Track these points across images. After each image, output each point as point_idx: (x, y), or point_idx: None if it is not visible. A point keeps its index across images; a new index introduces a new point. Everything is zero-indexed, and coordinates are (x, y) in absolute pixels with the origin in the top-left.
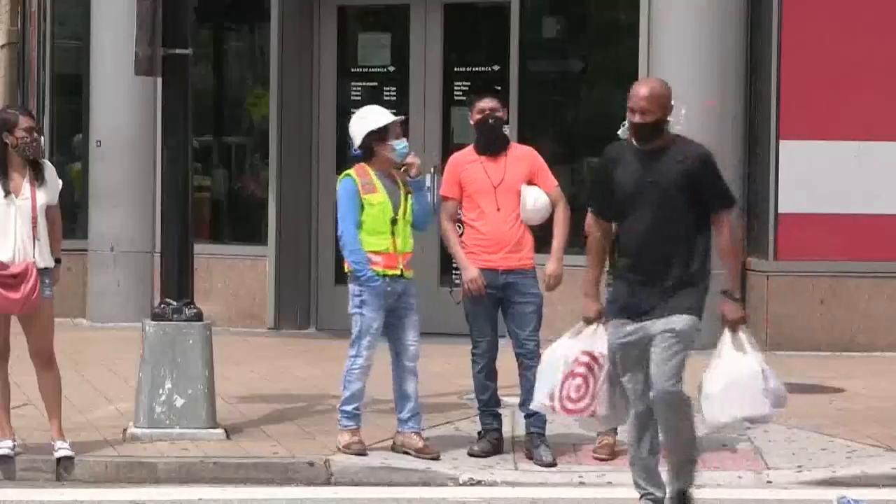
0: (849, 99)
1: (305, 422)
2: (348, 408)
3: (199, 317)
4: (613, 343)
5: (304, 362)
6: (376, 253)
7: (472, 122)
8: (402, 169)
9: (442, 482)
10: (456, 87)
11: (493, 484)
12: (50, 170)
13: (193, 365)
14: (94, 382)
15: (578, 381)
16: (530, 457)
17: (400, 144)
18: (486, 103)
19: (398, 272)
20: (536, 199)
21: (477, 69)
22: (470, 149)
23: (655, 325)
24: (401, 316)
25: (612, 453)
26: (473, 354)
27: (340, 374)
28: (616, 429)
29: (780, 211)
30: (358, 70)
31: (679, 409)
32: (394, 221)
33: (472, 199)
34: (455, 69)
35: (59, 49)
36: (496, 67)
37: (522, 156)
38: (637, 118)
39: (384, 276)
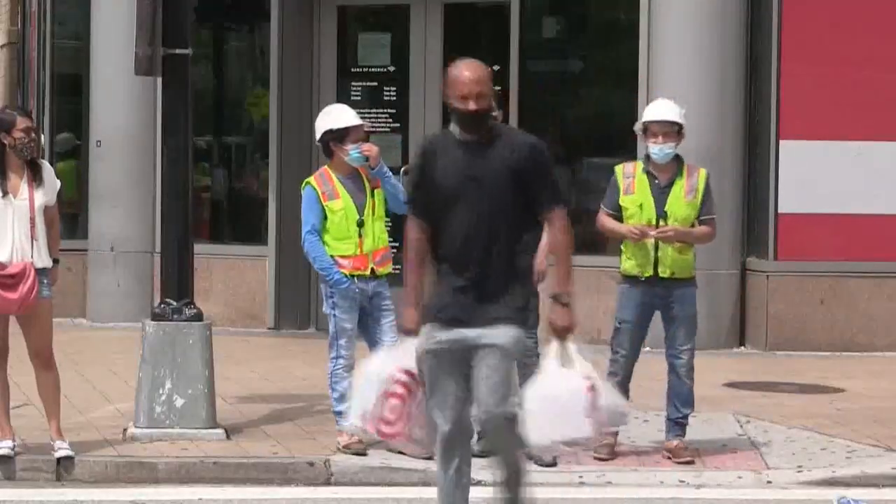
0: (849, 99)
1: (305, 422)
2: (341, 408)
3: (199, 317)
4: (422, 349)
5: (304, 362)
6: (343, 257)
7: None
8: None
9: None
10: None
11: (493, 484)
12: (48, 170)
13: (193, 365)
14: (94, 382)
15: (395, 401)
16: (530, 457)
17: (355, 151)
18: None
19: (367, 272)
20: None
21: None
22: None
23: (476, 337)
24: (376, 318)
25: (612, 453)
26: None
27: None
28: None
29: (780, 211)
30: (358, 70)
31: (510, 431)
32: (360, 223)
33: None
34: None
35: (59, 49)
36: (496, 67)
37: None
38: (472, 105)
39: (353, 276)
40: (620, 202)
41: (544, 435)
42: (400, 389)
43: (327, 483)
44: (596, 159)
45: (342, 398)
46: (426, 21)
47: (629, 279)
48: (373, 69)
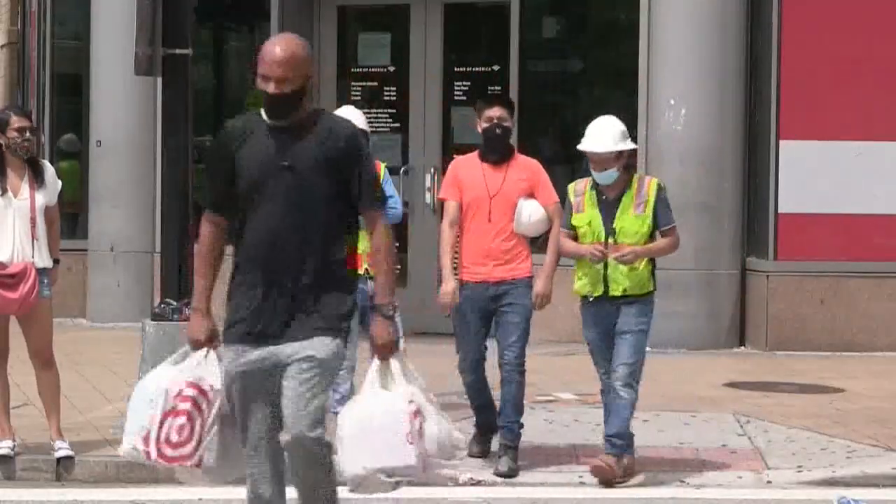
0: (849, 99)
1: None
2: (340, 409)
3: None
4: (230, 372)
5: None
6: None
7: (479, 129)
8: None
9: (442, 482)
10: (456, 87)
11: (493, 484)
12: (49, 171)
13: None
14: (94, 382)
15: (182, 420)
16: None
17: None
18: (495, 111)
19: (362, 272)
20: (532, 214)
21: (477, 69)
22: (474, 154)
23: (288, 350)
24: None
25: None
26: (460, 367)
27: None
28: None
29: (780, 211)
30: (358, 70)
31: (319, 460)
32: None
33: (466, 206)
34: (455, 69)
35: (59, 49)
36: (496, 67)
37: (525, 167)
38: (272, 87)
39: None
40: (572, 221)
41: (358, 463)
42: (187, 406)
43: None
44: None
45: (343, 400)
46: (426, 21)
47: (583, 300)
48: (373, 69)
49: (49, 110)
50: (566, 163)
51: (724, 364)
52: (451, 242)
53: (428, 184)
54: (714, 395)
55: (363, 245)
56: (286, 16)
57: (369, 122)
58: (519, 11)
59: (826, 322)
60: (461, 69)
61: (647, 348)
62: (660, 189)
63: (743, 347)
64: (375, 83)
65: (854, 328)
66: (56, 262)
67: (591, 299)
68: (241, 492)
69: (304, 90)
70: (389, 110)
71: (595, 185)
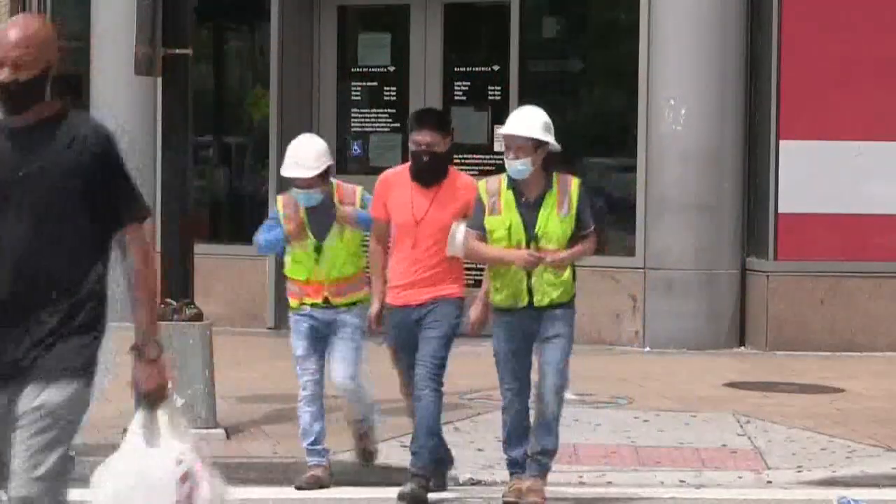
0: (849, 99)
1: None
2: (304, 443)
3: (199, 317)
4: None
5: None
6: (296, 281)
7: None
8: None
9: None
10: (456, 87)
11: (493, 484)
12: None
13: (193, 365)
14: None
15: None
16: None
17: (302, 195)
18: (424, 137)
19: (320, 301)
20: (465, 238)
21: (477, 69)
22: (405, 169)
23: (22, 397)
24: (333, 347)
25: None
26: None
27: None
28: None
29: (780, 211)
30: (358, 70)
31: None
32: (317, 249)
33: (394, 228)
34: (455, 69)
35: (58, 49)
36: (496, 67)
37: (459, 189)
38: (5, 74)
39: (306, 304)
40: (485, 223)
41: None
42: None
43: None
44: (596, 159)
45: (304, 433)
46: (426, 21)
47: (501, 310)
48: (373, 69)
49: None
50: (566, 163)
51: (724, 364)
52: (380, 262)
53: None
54: (714, 395)
55: (324, 273)
56: (286, 16)
57: (369, 122)
58: (519, 11)
59: (826, 322)
60: (461, 69)
61: (647, 348)
62: (582, 189)
63: (743, 347)
64: (375, 83)
65: (854, 328)
66: None
67: (516, 311)
68: (241, 492)
69: (45, 78)
70: (389, 110)
71: (513, 185)
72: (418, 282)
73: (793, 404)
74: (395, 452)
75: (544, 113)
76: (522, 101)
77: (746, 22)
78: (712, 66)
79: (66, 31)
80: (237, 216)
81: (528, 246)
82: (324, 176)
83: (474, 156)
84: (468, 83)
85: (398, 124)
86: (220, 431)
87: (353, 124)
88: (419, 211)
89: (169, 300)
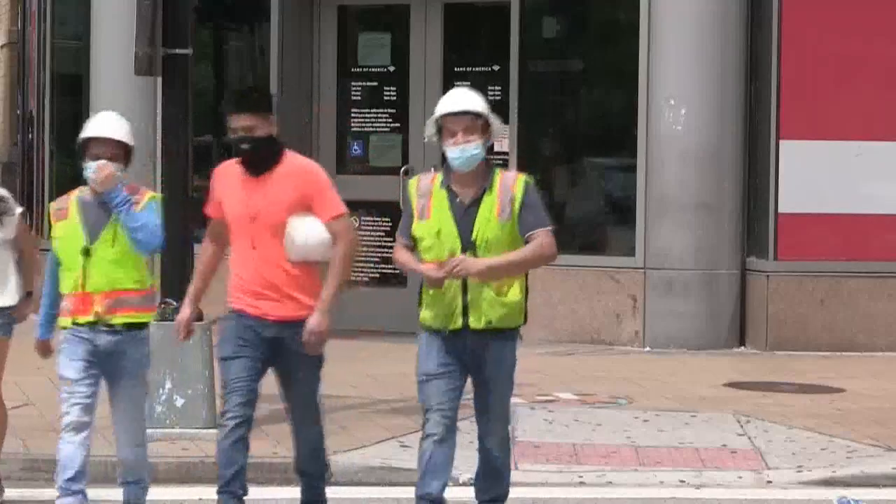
0: (849, 99)
1: None
2: (58, 480)
3: (199, 317)
4: None
5: None
6: (65, 295)
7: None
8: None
9: None
10: (456, 87)
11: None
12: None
13: (193, 365)
14: None
15: None
16: None
17: (90, 168)
18: (243, 121)
19: (91, 318)
20: (308, 236)
21: (477, 69)
22: (235, 160)
23: None
24: (114, 401)
25: None
26: (222, 415)
27: (337, 376)
28: None
29: (780, 211)
30: (358, 70)
31: None
32: (85, 252)
33: (230, 226)
34: (455, 69)
35: (59, 49)
36: (496, 67)
37: (295, 175)
38: None
39: (76, 324)
40: (414, 230)
41: None
42: None
43: (327, 483)
44: (596, 159)
45: (63, 467)
46: (426, 21)
47: (429, 330)
48: (373, 69)
49: (49, 110)
50: (566, 163)
51: (724, 364)
52: (207, 263)
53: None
54: (714, 395)
55: (94, 283)
56: (286, 16)
57: (369, 122)
58: (519, 11)
59: (826, 322)
60: (461, 69)
61: (646, 348)
62: (528, 187)
63: (743, 347)
64: (375, 83)
65: (854, 328)
66: (28, 294)
67: (446, 333)
68: None
69: None
70: (389, 110)
71: (447, 184)
72: (267, 295)
73: (793, 404)
74: (395, 452)
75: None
76: (522, 101)
77: (746, 22)
78: (712, 66)
79: (66, 32)
80: None
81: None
82: (125, 157)
83: None
84: (468, 83)
85: (398, 124)
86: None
87: (353, 124)
88: (253, 205)
89: (169, 300)
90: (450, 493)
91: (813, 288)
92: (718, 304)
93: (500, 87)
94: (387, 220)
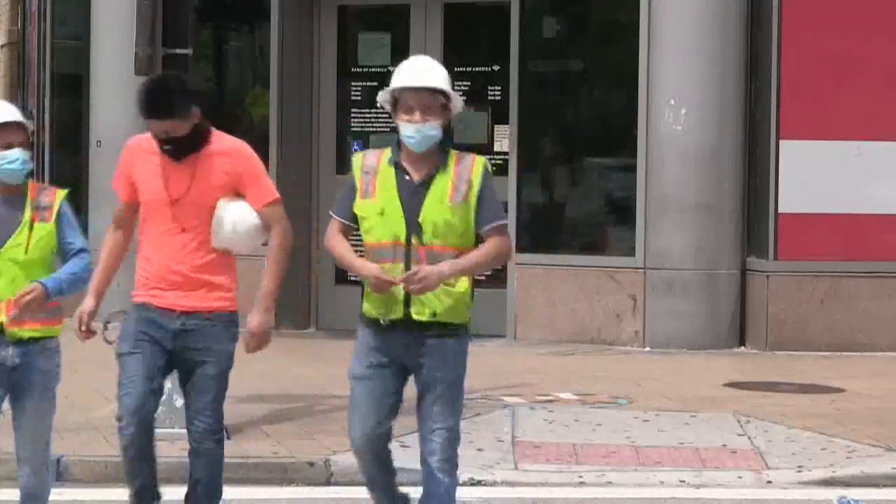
0: (849, 99)
1: (305, 422)
2: None
3: None
4: None
5: (304, 362)
6: None
7: None
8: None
9: None
10: (456, 87)
11: (493, 484)
12: None
13: None
14: (93, 382)
15: None
16: None
17: (5, 160)
18: (158, 127)
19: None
20: (237, 222)
21: (477, 69)
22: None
23: None
24: (15, 397)
25: None
26: (117, 420)
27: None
28: None
29: (780, 211)
30: (358, 70)
31: None
32: None
33: (143, 209)
34: (455, 69)
35: (59, 49)
36: (496, 67)
37: (225, 156)
38: None
39: None
40: (355, 209)
41: None
42: None
43: (327, 483)
44: (596, 159)
45: None
46: (426, 21)
47: (369, 322)
48: (373, 69)
49: (49, 110)
50: (566, 163)
51: (724, 364)
52: (112, 253)
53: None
54: (714, 395)
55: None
56: (286, 16)
57: (369, 122)
58: (519, 11)
59: (826, 322)
60: (461, 69)
61: (646, 348)
62: (486, 171)
63: (743, 347)
64: (375, 83)
65: (854, 328)
66: None
67: (383, 323)
68: (242, 491)
69: None
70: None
71: (395, 160)
72: (180, 284)
73: (793, 404)
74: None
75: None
76: (522, 101)
77: (746, 22)
78: (712, 66)
79: (66, 32)
80: None
81: (407, 240)
82: (24, 142)
83: None
84: (468, 83)
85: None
86: None
87: (353, 124)
88: (175, 188)
89: None
90: None
91: (813, 288)
92: (718, 304)
93: (500, 87)
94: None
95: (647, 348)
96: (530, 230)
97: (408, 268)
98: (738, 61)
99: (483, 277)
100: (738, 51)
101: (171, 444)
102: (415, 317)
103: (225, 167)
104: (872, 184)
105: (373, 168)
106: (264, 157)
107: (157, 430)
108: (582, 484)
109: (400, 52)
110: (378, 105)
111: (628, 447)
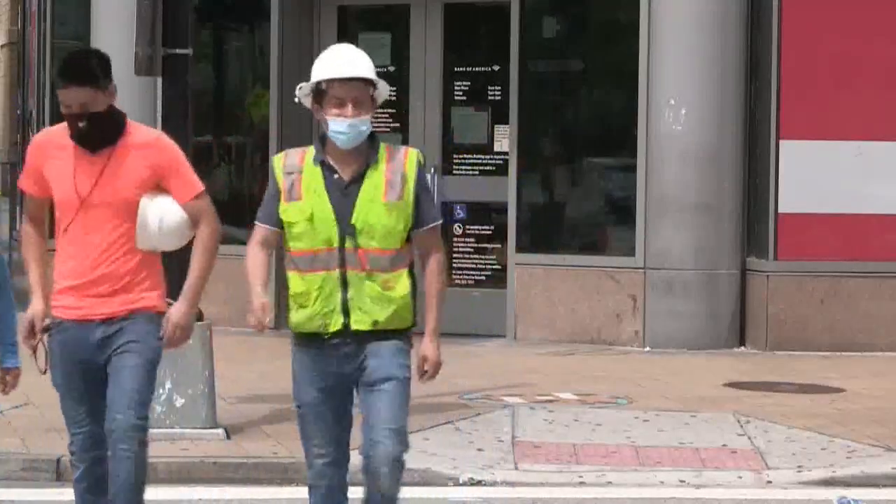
0: (849, 99)
1: None
2: None
3: (198, 317)
4: None
5: None
6: None
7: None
8: None
9: (442, 482)
10: (456, 87)
11: (493, 484)
12: None
13: (193, 365)
14: None
15: None
16: None
17: None
18: (71, 96)
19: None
20: (163, 218)
21: (477, 69)
22: (65, 126)
23: None
24: None
25: None
26: (70, 453)
27: None
28: None
29: (780, 211)
30: None
31: None
32: None
33: (56, 208)
34: (455, 69)
35: (59, 49)
36: (496, 67)
37: (144, 147)
38: None
39: None
40: (281, 214)
41: None
42: None
43: None
44: (596, 159)
45: None
46: (426, 21)
47: (302, 339)
48: None
49: (49, 110)
50: (566, 163)
51: (724, 364)
52: (35, 250)
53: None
54: (714, 395)
55: None
56: (286, 16)
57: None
58: (519, 11)
59: (826, 322)
60: (461, 69)
61: (647, 348)
62: (421, 166)
63: (743, 347)
64: None
65: (854, 328)
66: None
67: (325, 337)
68: (242, 491)
69: None
70: (389, 110)
71: (320, 159)
72: (98, 290)
73: (793, 404)
74: None
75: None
76: (522, 101)
77: (746, 22)
78: (712, 66)
79: (66, 32)
80: (237, 216)
81: (341, 244)
82: None
83: (474, 155)
84: (468, 83)
85: (398, 124)
86: (220, 431)
87: None
88: (85, 185)
89: (169, 300)
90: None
91: (813, 288)
92: (718, 304)
93: (500, 87)
94: None
95: (647, 348)
96: (530, 230)
97: (344, 275)
98: (738, 61)
99: (483, 277)
100: (738, 51)
101: (172, 443)
102: (354, 326)
103: (145, 160)
104: (872, 184)
105: (296, 168)
106: (264, 157)
107: (158, 431)
108: (582, 484)
109: (400, 52)
110: (296, 100)
111: (628, 447)
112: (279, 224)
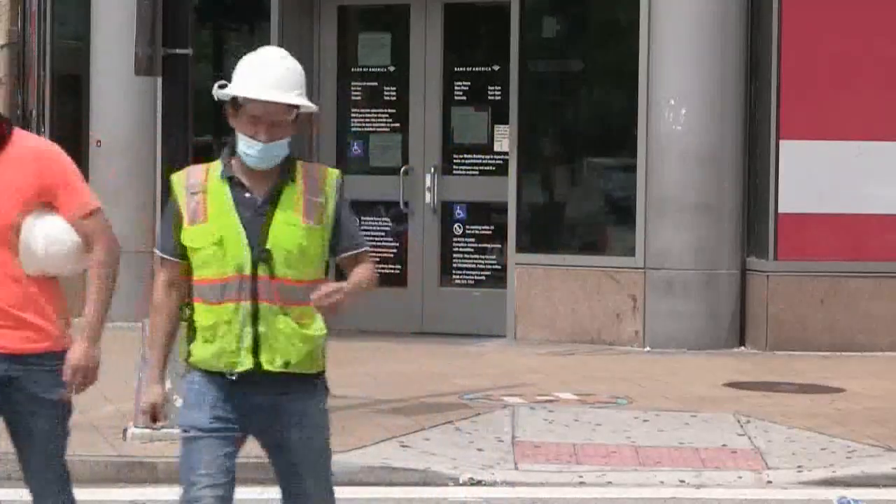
0: (849, 99)
1: None
2: None
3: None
4: None
5: None
6: None
7: None
8: None
9: (442, 482)
10: (456, 87)
11: (493, 484)
12: None
13: None
14: None
15: None
16: None
17: None
18: None
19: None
20: (50, 243)
21: (477, 69)
22: None
23: None
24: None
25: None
26: None
27: (337, 376)
28: None
29: (780, 211)
30: (358, 70)
31: None
32: None
33: None
34: (455, 69)
35: (59, 49)
36: (496, 67)
37: (29, 159)
38: None
39: None
40: (184, 239)
41: None
42: None
43: None
44: (596, 159)
45: None
46: (426, 21)
47: (204, 375)
48: (373, 69)
49: (49, 110)
50: (566, 163)
51: (724, 364)
52: None
53: (428, 184)
54: (714, 395)
55: None
56: (286, 16)
57: (369, 122)
58: (519, 11)
59: (826, 322)
60: (461, 69)
61: (647, 348)
62: (341, 185)
63: (743, 347)
64: (375, 83)
65: (854, 328)
66: None
67: (231, 378)
68: (242, 491)
69: None
70: (389, 110)
71: (228, 175)
72: None
73: (793, 404)
74: (395, 452)
75: (291, 58)
76: (522, 101)
77: (746, 22)
78: (712, 66)
79: (66, 32)
80: None
81: (253, 271)
82: None
83: (474, 155)
84: (468, 83)
85: (398, 124)
86: None
87: (353, 124)
88: None
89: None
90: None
91: (813, 288)
92: (718, 304)
93: (500, 87)
94: (386, 220)
95: (647, 348)
96: (530, 230)
97: (255, 308)
98: (738, 61)
99: (483, 277)
100: (738, 51)
101: (172, 443)
102: (265, 367)
103: (30, 175)
104: (872, 184)
105: (200, 186)
106: None
107: (157, 431)
108: (582, 484)
109: (400, 52)
110: (215, 100)
111: (628, 447)
112: (182, 253)
